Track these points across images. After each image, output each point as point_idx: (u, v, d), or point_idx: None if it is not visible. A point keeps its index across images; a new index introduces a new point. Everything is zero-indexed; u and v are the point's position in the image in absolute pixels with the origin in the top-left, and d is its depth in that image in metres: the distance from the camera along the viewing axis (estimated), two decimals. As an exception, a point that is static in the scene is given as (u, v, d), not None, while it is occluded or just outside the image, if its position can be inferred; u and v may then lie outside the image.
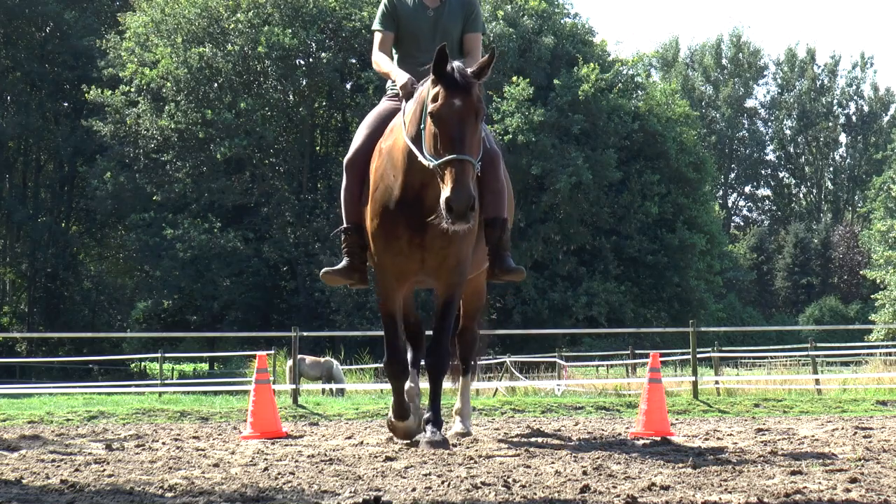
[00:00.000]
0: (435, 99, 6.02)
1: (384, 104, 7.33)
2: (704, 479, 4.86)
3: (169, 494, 4.58)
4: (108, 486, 4.94)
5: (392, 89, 7.32)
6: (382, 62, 7.21)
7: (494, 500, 4.27)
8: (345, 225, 7.04)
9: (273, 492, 4.59)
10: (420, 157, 6.11)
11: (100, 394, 18.20)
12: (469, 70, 6.16)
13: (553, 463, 5.89)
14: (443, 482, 4.80)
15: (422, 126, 6.16)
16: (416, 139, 6.23)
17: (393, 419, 7.22)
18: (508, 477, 4.99)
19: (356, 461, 6.02)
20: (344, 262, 7.02)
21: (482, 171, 6.60)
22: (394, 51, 7.35)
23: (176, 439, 8.22)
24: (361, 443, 7.49)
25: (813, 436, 7.76)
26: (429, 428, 6.90)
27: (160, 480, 5.06)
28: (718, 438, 7.77)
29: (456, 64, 6.13)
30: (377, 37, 7.32)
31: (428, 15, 7.22)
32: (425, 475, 5.14)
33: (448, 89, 6.00)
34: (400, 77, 6.89)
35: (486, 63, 6.18)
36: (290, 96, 44.69)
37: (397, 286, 6.88)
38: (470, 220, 5.78)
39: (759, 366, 30.03)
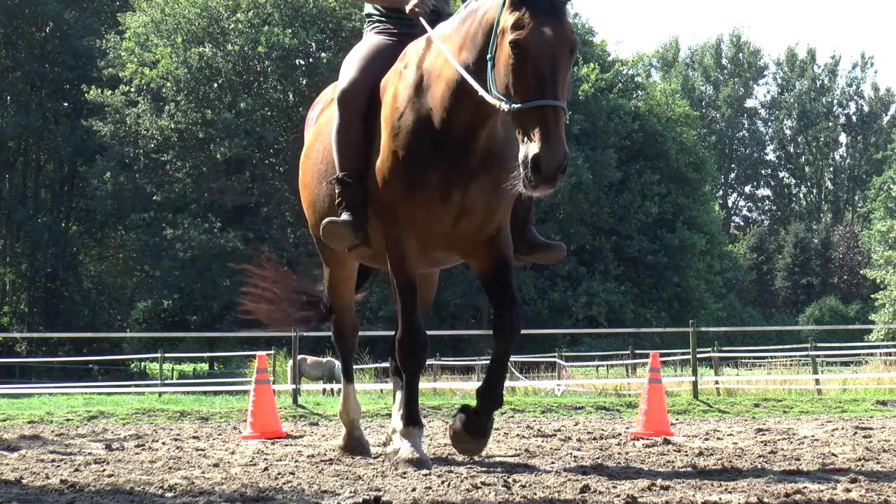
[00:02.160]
0: (518, 26, 4.64)
1: (375, 38, 5.96)
2: (704, 479, 4.86)
3: (169, 494, 4.58)
4: (108, 486, 4.94)
5: (378, 22, 6.05)
6: None
7: (494, 500, 4.26)
8: (339, 174, 5.58)
9: (273, 492, 4.58)
10: (486, 96, 4.78)
11: (100, 394, 18.22)
12: None
13: (553, 463, 5.89)
14: (443, 482, 4.79)
15: (489, 55, 4.83)
16: (475, 70, 4.95)
17: (402, 427, 5.67)
18: (508, 477, 4.99)
19: (356, 461, 6.02)
20: (346, 216, 5.50)
21: None
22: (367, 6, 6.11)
23: (176, 439, 8.22)
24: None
25: (813, 436, 7.75)
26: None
27: (160, 480, 5.06)
28: (718, 438, 7.76)
29: None
30: None
31: None
32: (425, 475, 5.14)
33: (537, 15, 4.63)
34: None
35: None
36: (290, 96, 44.69)
37: (416, 249, 5.42)
38: (558, 184, 4.62)
39: (759, 366, 30.01)
